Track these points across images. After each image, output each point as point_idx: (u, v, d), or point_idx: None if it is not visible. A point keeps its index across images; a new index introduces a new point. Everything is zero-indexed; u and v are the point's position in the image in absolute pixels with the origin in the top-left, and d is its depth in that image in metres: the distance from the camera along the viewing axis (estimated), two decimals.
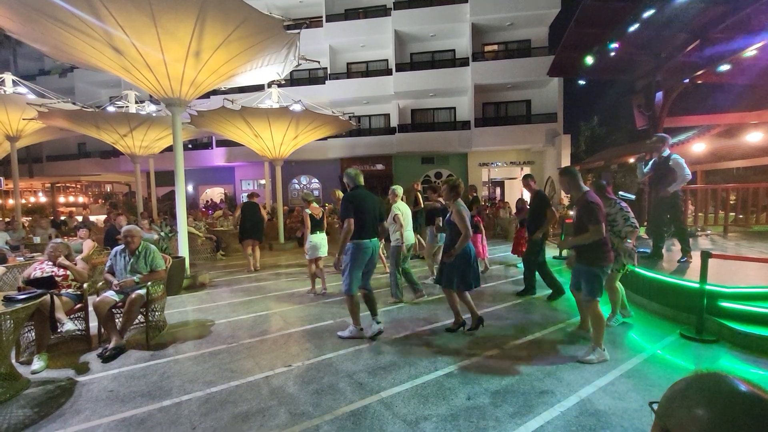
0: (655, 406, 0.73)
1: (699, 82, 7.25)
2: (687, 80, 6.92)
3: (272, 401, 2.90)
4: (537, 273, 5.59)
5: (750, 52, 5.89)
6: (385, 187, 19.09)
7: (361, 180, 4.16)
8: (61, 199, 23.33)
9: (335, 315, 4.95)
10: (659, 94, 7.35)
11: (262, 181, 21.54)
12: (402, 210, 5.50)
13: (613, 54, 6.46)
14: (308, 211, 5.98)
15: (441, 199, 5.96)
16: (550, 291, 5.42)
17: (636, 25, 5.72)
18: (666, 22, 6.08)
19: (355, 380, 3.19)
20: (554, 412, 2.66)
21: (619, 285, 4.23)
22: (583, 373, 3.21)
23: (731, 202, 8.76)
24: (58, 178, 24.36)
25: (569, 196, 4.14)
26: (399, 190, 5.69)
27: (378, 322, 4.11)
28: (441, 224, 6.00)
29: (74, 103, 12.38)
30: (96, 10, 5.26)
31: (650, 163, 5.38)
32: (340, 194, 8.28)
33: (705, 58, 6.22)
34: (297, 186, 21.94)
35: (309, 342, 4.08)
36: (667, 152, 5.12)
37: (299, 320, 4.80)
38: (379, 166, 20.12)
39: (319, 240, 5.99)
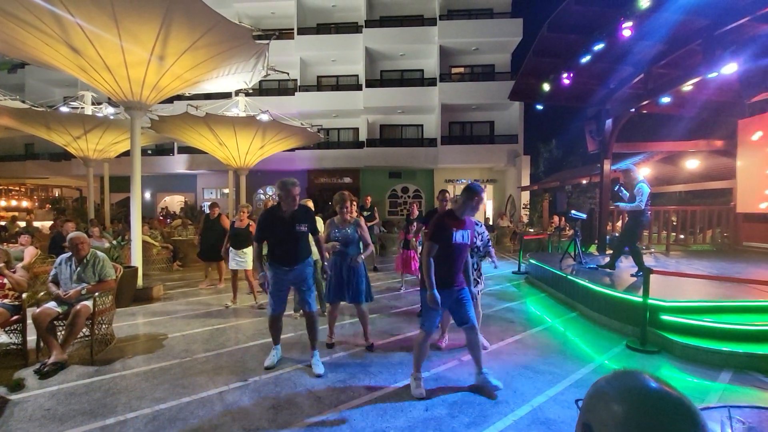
0: (581, 404, 0.80)
1: (644, 111, 7.89)
2: (633, 110, 7.50)
3: (225, 417, 2.80)
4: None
5: (687, 87, 6.49)
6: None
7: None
8: (3, 203, 21.59)
9: (297, 327, 4.86)
10: (609, 121, 7.92)
11: (226, 191, 20.93)
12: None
13: (567, 82, 6.92)
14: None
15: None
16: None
17: (588, 57, 6.18)
18: (614, 56, 6.62)
19: (313, 394, 3.15)
20: (507, 422, 2.74)
21: None
22: (536, 384, 3.33)
23: (673, 223, 9.49)
24: (0, 180, 22.58)
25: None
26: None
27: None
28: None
29: (23, 101, 11.61)
30: (51, 3, 5.03)
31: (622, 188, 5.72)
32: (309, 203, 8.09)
33: (648, 90, 6.79)
34: (263, 197, 21.47)
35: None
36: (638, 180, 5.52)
37: (258, 334, 4.67)
38: (347, 179, 20.11)
39: None
